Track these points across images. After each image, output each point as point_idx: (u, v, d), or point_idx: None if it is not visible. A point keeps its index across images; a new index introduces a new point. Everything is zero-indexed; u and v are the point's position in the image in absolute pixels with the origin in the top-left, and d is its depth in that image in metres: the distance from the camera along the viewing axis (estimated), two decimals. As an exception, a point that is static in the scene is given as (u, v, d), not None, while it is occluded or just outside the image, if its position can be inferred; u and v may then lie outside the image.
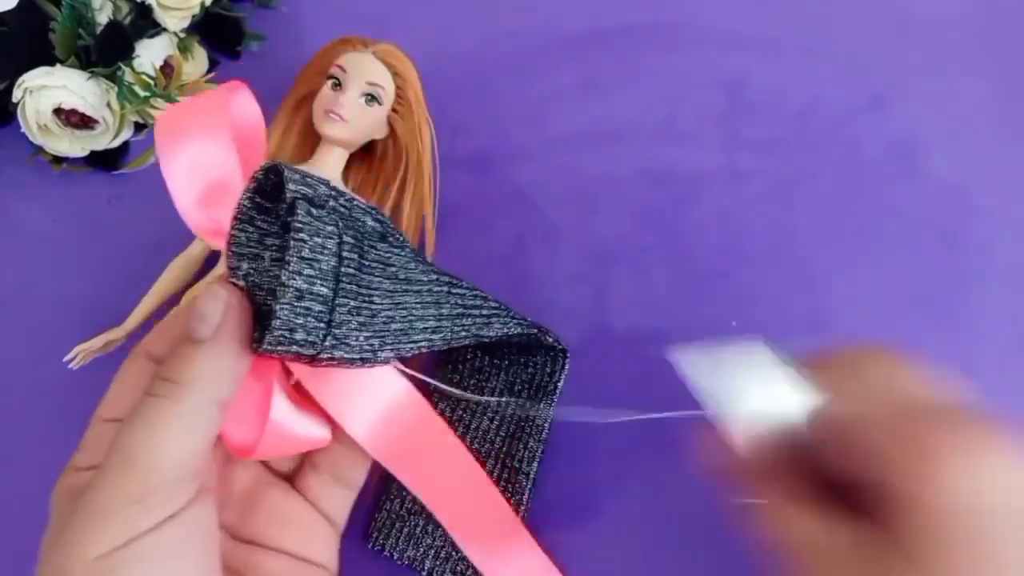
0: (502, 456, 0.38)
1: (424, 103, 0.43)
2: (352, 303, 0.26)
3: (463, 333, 0.31)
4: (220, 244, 0.27)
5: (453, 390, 0.36)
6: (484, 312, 0.33)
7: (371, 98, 0.41)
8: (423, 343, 0.29)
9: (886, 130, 0.46)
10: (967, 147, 0.46)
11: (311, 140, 0.43)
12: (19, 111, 0.44)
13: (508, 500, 0.37)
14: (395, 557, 0.37)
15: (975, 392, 0.29)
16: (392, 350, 0.27)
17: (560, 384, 0.39)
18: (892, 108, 0.47)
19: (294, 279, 0.24)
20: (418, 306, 0.28)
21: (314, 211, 0.25)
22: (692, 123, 0.47)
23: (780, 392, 0.27)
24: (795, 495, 0.27)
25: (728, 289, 0.43)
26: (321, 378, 0.28)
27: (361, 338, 0.26)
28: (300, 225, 0.24)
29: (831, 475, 0.26)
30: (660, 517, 0.38)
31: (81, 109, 0.44)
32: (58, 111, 0.44)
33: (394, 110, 0.42)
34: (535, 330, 0.37)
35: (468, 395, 0.38)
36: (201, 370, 0.24)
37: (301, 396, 0.28)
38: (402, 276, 0.28)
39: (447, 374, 0.40)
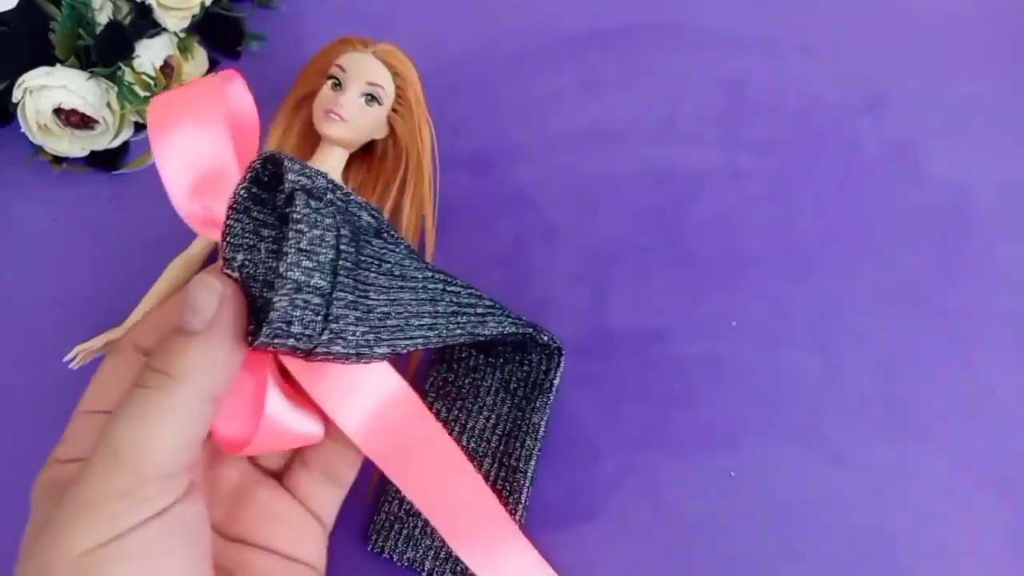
0: (499, 455, 0.38)
1: (424, 103, 0.43)
2: (349, 297, 0.25)
3: (458, 331, 0.31)
4: (212, 234, 0.26)
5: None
6: (479, 311, 0.33)
7: (371, 98, 0.41)
8: (419, 340, 0.29)
9: (886, 130, 0.46)
10: (967, 147, 0.46)
11: (311, 140, 0.43)
12: (19, 111, 0.44)
13: (506, 500, 0.37)
14: (394, 559, 0.37)
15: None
16: (388, 346, 0.27)
17: (556, 382, 0.39)
18: (892, 108, 0.47)
19: (292, 271, 0.24)
20: (413, 303, 0.28)
21: (313, 203, 0.24)
22: (692, 123, 0.47)
23: None
24: None
25: (728, 289, 0.43)
26: (315, 373, 0.27)
27: (358, 333, 0.26)
28: (299, 216, 0.24)
29: None
30: (660, 517, 0.38)
31: (81, 109, 0.44)
32: (58, 111, 0.44)
33: (394, 110, 0.42)
34: (530, 329, 0.37)
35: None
36: (194, 362, 0.24)
37: (294, 391, 0.28)
38: (397, 272, 0.28)
39: (442, 372, 0.40)
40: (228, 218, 0.25)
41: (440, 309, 0.30)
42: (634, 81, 0.48)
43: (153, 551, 0.22)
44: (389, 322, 0.27)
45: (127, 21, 0.46)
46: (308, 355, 0.25)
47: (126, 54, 0.44)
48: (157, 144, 0.27)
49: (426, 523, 0.37)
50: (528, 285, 0.43)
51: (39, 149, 0.46)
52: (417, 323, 0.28)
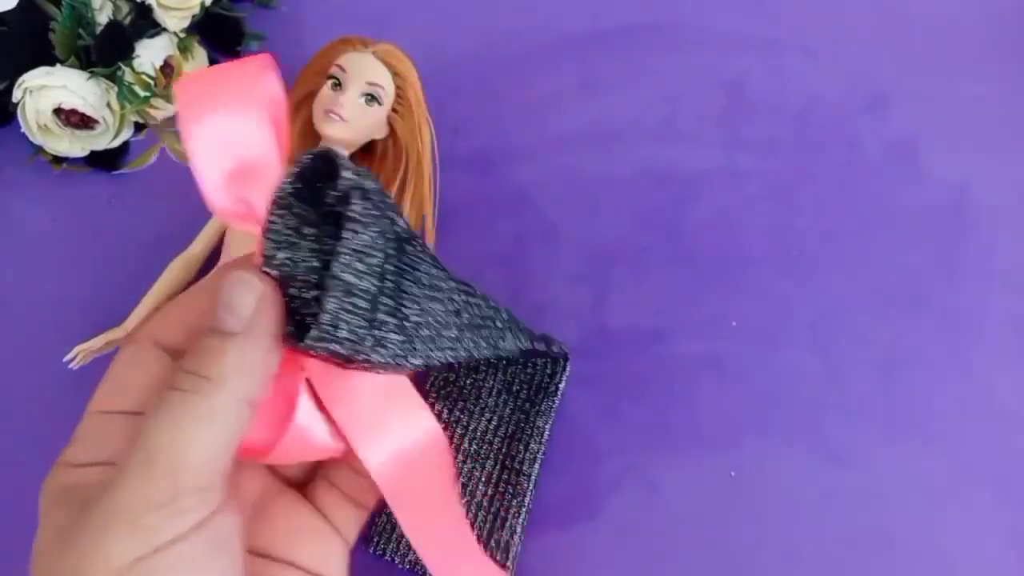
0: (501, 457, 0.38)
1: (424, 103, 0.43)
2: (391, 303, 0.24)
3: (483, 344, 0.30)
4: (245, 228, 0.25)
5: None
6: (499, 324, 0.32)
7: (371, 98, 0.41)
8: (449, 352, 0.27)
9: (886, 130, 0.46)
10: (967, 147, 0.46)
11: (311, 140, 0.43)
12: (19, 111, 0.44)
13: (508, 502, 0.37)
14: (396, 561, 0.37)
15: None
16: (422, 357, 0.26)
17: (561, 386, 0.39)
18: (892, 108, 0.47)
19: (345, 272, 0.23)
20: (442, 313, 0.27)
21: (366, 204, 0.23)
22: (692, 123, 0.47)
23: None
24: None
25: (728, 289, 0.43)
26: (344, 395, 0.26)
27: (396, 341, 0.25)
28: (356, 215, 0.23)
29: None
30: (660, 517, 0.38)
31: (81, 109, 0.44)
32: (58, 111, 0.44)
33: (394, 110, 0.42)
34: (543, 345, 0.36)
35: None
36: (232, 365, 0.22)
37: (317, 401, 0.27)
38: (426, 282, 0.27)
39: (443, 373, 0.40)
40: (271, 214, 0.24)
41: (464, 321, 0.29)
42: (634, 81, 0.48)
43: (191, 566, 0.21)
44: (423, 332, 0.26)
45: (127, 21, 0.46)
46: (347, 362, 0.24)
47: (126, 54, 0.44)
48: (189, 128, 0.24)
49: None
50: (528, 285, 0.43)
51: (39, 149, 0.46)
52: (447, 334, 0.27)
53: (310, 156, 0.24)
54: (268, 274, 0.24)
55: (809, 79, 0.47)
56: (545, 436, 0.38)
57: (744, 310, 0.42)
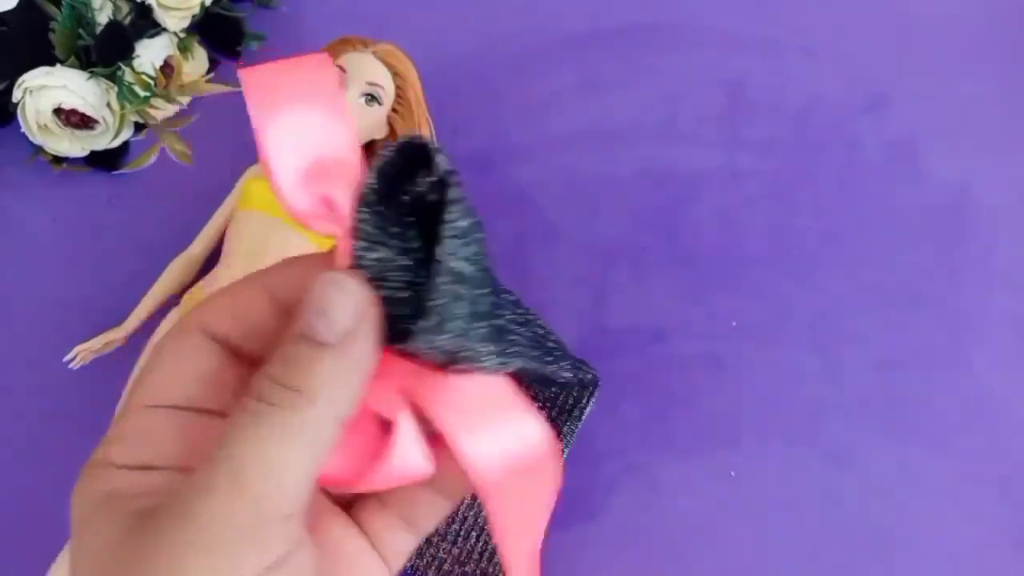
0: None
1: (424, 103, 0.43)
2: (490, 295, 0.23)
3: (536, 354, 0.28)
4: (326, 230, 0.24)
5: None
6: (549, 343, 0.30)
7: (371, 98, 0.41)
8: (518, 362, 0.26)
9: (886, 130, 0.46)
10: (967, 147, 0.46)
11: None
12: (19, 111, 0.44)
13: None
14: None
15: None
16: (501, 360, 0.24)
17: (587, 412, 0.38)
18: (892, 108, 0.47)
19: (452, 260, 0.21)
20: (509, 317, 0.26)
21: (462, 190, 0.22)
22: (692, 123, 0.47)
23: None
24: None
25: (728, 289, 0.43)
26: (447, 395, 0.24)
27: (483, 339, 0.23)
28: (457, 198, 0.22)
29: None
30: (660, 517, 0.38)
31: (81, 109, 0.44)
32: (58, 111, 0.44)
33: (394, 110, 0.42)
34: (575, 370, 0.34)
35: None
36: (329, 378, 0.20)
37: (417, 413, 0.25)
38: (495, 285, 0.26)
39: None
40: (359, 212, 0.22)
41: (525, 333, 0.28)
42: (634, 81, 0.48)
43: None
44: (507, 336, 0.25)
45: (127, 21, 0.46)
46: (449, 364, 0.23)
47: (126, 54, 0.44)
48: (265, 127, 0.23)
49: (432, 533, 0.36)
50: (528, 285, 0.43)
51: (39, 149, 0.46)
52: (511, 339, 0.26)
53: (395, 147, 0.22)
54: (359, 275, 0.22)
55: (809, 79, 0.47)
56: (564, 458, 0.38)
57: (744, 310, 0.42)
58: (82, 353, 0.42)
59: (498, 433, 0.24)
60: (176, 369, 0.22)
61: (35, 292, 0.45)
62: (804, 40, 0.48)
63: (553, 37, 0.49)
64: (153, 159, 0.47)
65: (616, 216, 0.45)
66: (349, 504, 0.26)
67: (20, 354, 0.43)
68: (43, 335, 0.43)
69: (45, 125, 0.45)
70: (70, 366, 0.42)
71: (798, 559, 0.37)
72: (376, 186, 0.22)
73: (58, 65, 0.44)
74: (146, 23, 0.46)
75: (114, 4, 0.46)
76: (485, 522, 0.37)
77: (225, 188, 0.44)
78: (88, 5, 0.44)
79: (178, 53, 0.47)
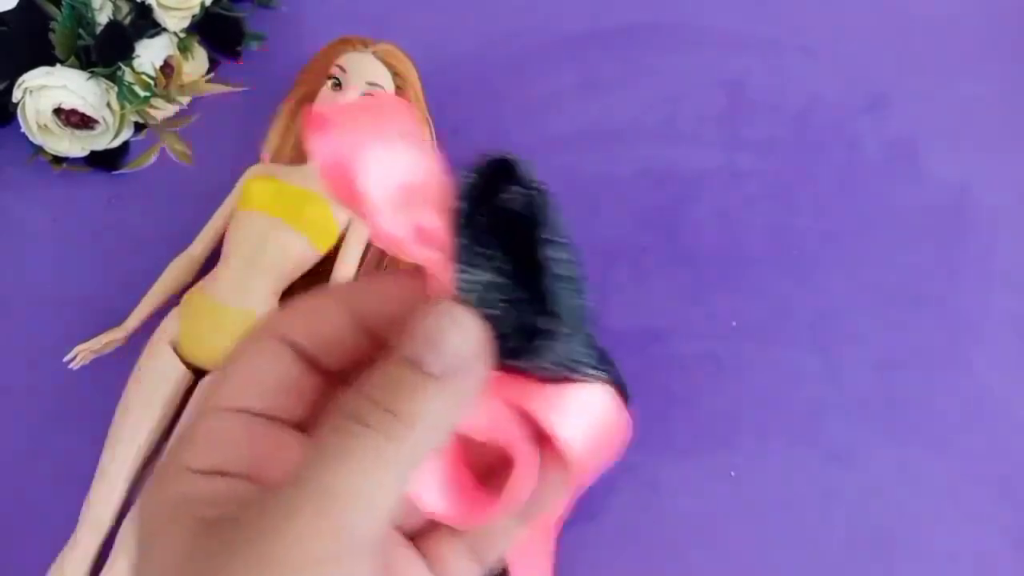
0: None
1: (424, 103, 0.43)
2: (586, 305, 0.24)
3: (609, 362, 0.28)
4: (423, 256, 0.23)
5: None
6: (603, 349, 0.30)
7: (371, 98, 0.41)
8: (610, 368, 0.26)
9: (886, 130, 0.46)
10: (967, 147, 0.46)
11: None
12: (19, 111, 0.44)
13: None
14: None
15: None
16: (598, 369, 0.24)
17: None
18: (892, 108, 0.47)
19: (558, 266, 0.22)
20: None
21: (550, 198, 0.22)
22: (692, 123, 0.47)
23: None
24: None
25: (728, 289, 0.43)
26: (562, 401, 0.23)
27: (587, 345, 0.23)
28: (555, 211, 0.21)
29: None
30: (660, 517, 0.38)
31: (81, 109, 0.44)
32: (58, 111, 0.44)
33: (394, 110, 0.42)
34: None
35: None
36: (431, 407, 0.19)
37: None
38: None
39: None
40: (456, 234, 0.22)
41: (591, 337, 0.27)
42: (634, 81, 0.48)
43: None
44: (595, 342, 0.25)
45: (127, 21, 0.46)
46: (554, 374, 0.22)
47: (126, 54, 0.44)
48: (363, 162, 0.23)
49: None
50: (528, 285, 0.43)
51: (39, 149, 0.46)
52: (599, 347, 0.26)
53: (479, 166, 0.21)
54: (465, 301, 0.21)
55: (809, 79, 0.47)
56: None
57: (744, 310, 0.42)
58: (82, 353, 0.42)
59: (587, 409, 0.24)
60: (253, 374, 0.21)
61: (35, 292, 0.45)
62: (804, 40, 0.48)
63: (553, 37, 0.49)
64: (153, 159, 0.47)
65: (616, 216, 0.45)
66: (415, 534, 0.24)
67: (20, 354, 0.43)
68: (43, 335, 0.43)
69: (45, 125, 0.45)
70: (70, 366, 0.42)
71: (798, 559, 0.37)
72: (466, 208, 0.22)
73: (58, 65, 0.44)
74: (146, 23, 0.46)
75: (114, 4, 0.46)
76: None
77: (225, 188, 0.44)
78: (88, 5, 0.44)
79: (178, 53, 0.47)
